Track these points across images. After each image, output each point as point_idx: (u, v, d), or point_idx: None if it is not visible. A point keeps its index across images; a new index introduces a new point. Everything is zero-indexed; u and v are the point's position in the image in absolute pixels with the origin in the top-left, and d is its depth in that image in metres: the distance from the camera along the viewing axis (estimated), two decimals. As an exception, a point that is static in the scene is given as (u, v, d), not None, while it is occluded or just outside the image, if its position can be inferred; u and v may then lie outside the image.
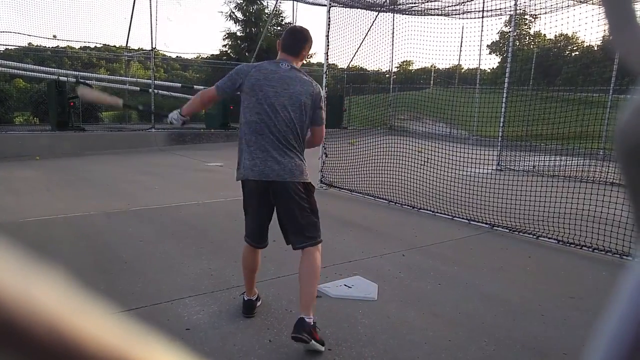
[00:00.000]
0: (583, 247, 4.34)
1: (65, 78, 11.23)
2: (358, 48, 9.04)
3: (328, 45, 7.04)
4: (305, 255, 2.57)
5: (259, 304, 2.95)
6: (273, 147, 2.50)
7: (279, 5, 18.81)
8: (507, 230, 4.95)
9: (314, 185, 2.72)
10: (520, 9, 8.71)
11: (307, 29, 2.75)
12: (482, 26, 9.54)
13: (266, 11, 19.54)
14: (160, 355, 0.20)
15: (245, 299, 2.89)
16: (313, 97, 2.58)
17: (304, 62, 2.97)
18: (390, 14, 8.74)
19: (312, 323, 2.41)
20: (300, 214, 2.56)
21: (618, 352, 0.20)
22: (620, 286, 0.21)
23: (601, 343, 0.20)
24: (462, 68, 18.59)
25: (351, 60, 11.82)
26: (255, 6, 19.43)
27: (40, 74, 12.44)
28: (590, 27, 6.47)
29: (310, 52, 2.99)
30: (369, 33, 8.33)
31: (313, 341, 2.37)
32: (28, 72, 12.82)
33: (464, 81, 17.91)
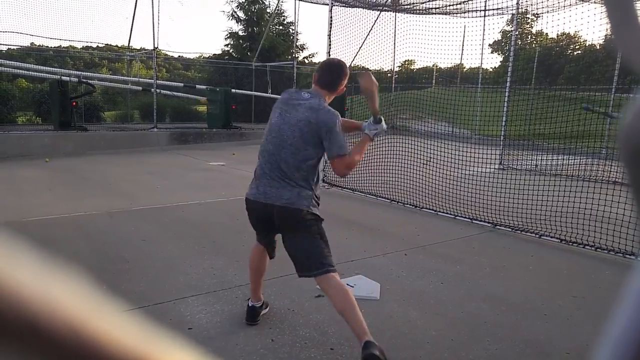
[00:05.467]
0: (586, 246, 4.34)
1: (68, 78, 11.24)
2: (360, 47, 9.02)
3: (330, 45, 7.04)
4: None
5: (264, 311, 2.84)
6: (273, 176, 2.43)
7: (281, 5, 18.85)
8: (510, 230, 4.94)
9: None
10: (522, 8, 8.68)
11: (344, 62, 2.71)
12: (484, 25, 9.55)
13: (268, 10, 19.55)
14: (163, 355, 0.20)
15: (249, 304, 2.77)
16: (314, 126, 2.39)
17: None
18: (392, 13, 8.72)
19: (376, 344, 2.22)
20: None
21: (625, 353, 0.20)
22: (625, 285, 0.21)
23: (607, 344, 0.20)
24: (464, 67, 18.53)
25: (353, 60, 11.81)
26: (257, 5, 19.42)
27: (42, 74, 12.45)
28: (592, 26, 6.47)
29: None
30: (370, 32, 8.32)
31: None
32: (30, 72, 12.83)
33: (466, 80, 17.85)
